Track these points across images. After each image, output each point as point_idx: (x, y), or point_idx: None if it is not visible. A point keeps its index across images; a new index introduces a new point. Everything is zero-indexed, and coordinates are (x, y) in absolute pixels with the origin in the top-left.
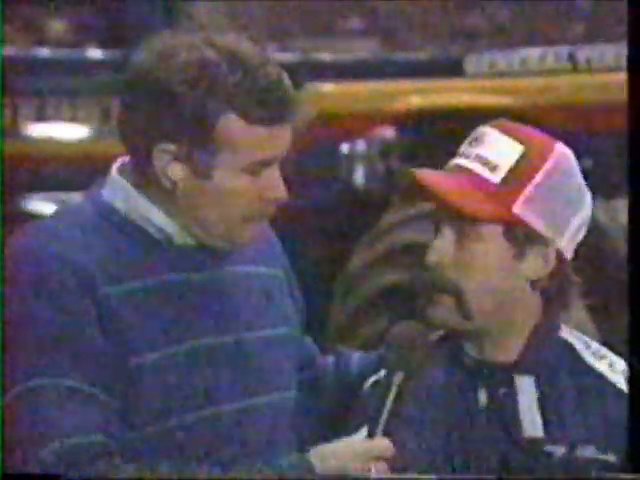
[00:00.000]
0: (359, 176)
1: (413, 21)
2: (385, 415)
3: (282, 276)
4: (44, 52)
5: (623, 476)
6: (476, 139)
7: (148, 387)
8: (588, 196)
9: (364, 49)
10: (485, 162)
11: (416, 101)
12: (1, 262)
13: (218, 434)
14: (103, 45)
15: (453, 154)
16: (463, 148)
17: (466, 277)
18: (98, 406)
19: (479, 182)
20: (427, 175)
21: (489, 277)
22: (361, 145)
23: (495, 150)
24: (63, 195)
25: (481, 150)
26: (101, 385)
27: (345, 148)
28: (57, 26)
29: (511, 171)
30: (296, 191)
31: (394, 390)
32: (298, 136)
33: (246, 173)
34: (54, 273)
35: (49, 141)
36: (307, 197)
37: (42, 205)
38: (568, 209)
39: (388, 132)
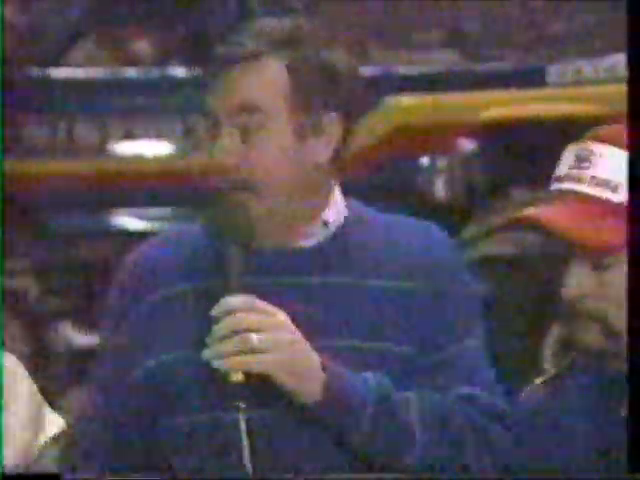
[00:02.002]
0: (439, 189)
1: (493, 31)
2: (233, 284)
3: (406, 290)
4: (131, 72)
5: (624, 476)
6: (581, 159)
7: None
8: None
9: (444, 61)
10: (604, 183)
11: (497, 112)
12: (1, 264)
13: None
14: (186, 63)
15: (535, 165)
16: (568, 170)
17: (608, 301)
18: None
19: (608, 209)
20: (547, 214)
21: (624, 292)
22: (442, 158)
23: (608, 167)
24: (150, 210)
25: (594, 171)
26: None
27: (425, 161)
28: (142, 46)
29: None
30: (376, 205)
31: (233, 263)
32: (377, 150)
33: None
34: (116, 280)
35: (136, 158)
36: (387, 211)
37: (130, 221)
38: None
39: (469, 144)
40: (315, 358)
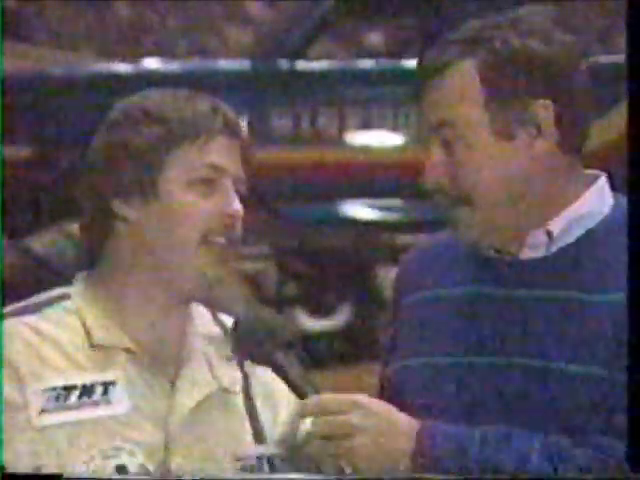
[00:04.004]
0: None
1: None
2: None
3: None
4: (365, 63)
5: (623, 476)
6: None
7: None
8: None
9: None
10: None
11: None
12: (1, 264)
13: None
14: (420, 54)
15: None
16: None
17: None
18: None
19: None
20: None
21: None
22: None
23: None
24: (383, 201)
25: None
26: None
27: None
28: (375, 38)
29: None
30: None
31: None
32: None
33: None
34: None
35: (373, 149)
36: None
37: (362, 211)
38: None
39: None
40: (400, 441)
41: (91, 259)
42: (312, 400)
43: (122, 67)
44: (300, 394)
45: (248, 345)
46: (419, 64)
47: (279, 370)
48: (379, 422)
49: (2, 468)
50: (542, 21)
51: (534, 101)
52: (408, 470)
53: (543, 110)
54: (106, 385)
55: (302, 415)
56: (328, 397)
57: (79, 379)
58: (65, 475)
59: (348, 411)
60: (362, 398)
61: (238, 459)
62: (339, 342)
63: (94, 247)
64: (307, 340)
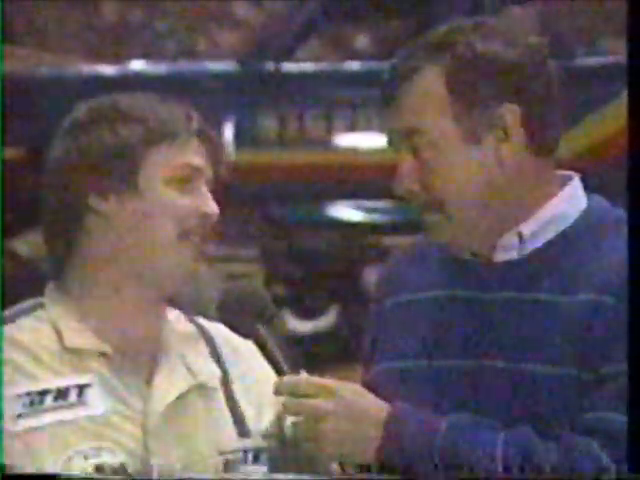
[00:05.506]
0: None
1: None
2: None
3: (586, 305)
4: (352, 65)
5: (623, 476)
6: None
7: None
8: None
9: None
10: None
11: None
12: (1, 263)
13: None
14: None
15: None
16: None
17: None
18: None
19: None
20: None
21: None
22: None
23: None
24: (370, 203)
25: None
26: None
27: None
28: (362, 40)
29: None
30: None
31: None
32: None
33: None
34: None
35: (360, 150)
36: None
37: (350, 213)
38: None
39: None
40: (368, 427)
41: (57, 267)
42: (286, 379)
43: (109, 69)
44: (278, 370)
45: (231, 317)
46: (385, 71)
47: (261, 343)
48: (348, 408)
49: (2, 467)
50: (506, 24)
51: (500, 105)
52: (376, 456)
53: (509, 113)
54: (81, 388)
55: (276, 392)
56: (301, 378)
57: (53, 383)
58: (62, 475)
59: (318, 395)
60: (333, 383)
61: (222, 453)
62: (327, 344)
63: (60, 253)
64: (295, 342)
